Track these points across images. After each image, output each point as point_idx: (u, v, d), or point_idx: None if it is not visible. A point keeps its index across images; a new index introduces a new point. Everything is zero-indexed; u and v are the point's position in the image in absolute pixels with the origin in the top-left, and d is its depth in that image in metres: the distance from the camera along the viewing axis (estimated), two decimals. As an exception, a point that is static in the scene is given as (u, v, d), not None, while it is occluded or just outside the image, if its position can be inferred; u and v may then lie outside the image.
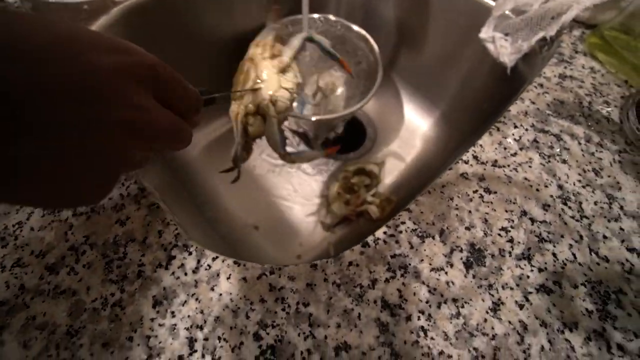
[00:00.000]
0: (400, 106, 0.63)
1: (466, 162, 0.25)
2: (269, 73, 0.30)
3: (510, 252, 0.22)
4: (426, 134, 0.60)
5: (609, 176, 0.25)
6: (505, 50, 0.41)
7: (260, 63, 0.31)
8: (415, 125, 0.61)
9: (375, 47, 0.52)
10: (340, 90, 0.60)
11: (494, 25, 0.41)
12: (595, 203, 0.24)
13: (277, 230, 0.51)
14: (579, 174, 0.25)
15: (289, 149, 0.31)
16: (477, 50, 0.46)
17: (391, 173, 0.57)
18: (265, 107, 0.29)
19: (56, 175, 0.12)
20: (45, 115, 0.11)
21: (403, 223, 0.23)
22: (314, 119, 0.47)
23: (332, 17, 0.54)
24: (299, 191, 0.56)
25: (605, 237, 0.23)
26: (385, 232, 0.22)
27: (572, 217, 0.23)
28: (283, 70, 0.31)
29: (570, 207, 0.24)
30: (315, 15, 0.52)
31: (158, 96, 0.14)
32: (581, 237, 0.23)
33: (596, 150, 0.26)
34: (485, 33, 0.42)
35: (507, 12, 0.40)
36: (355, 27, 0.53)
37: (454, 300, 0.20)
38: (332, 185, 0.54)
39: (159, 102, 0.14)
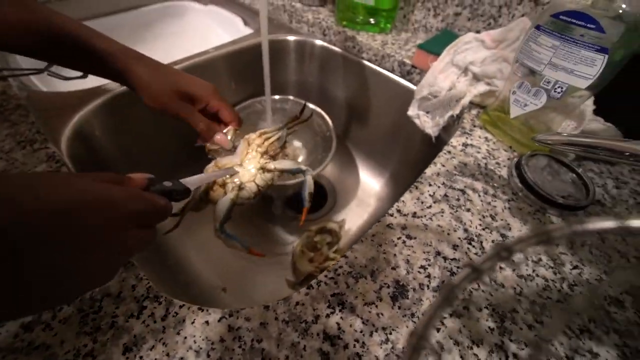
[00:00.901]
0: (355, 171, 0.72)
1: (391, 215, 0.32)
2: (251, 164, 0.34)
3: (428, 286, 0.27)
4: (379, 193, 0.68)
5: (501, 220, 0.32)
6: (427, 124, 0.51)
7: (252, 152, 0.35)
8: (370, 186, 0.69)
9: (329, 121, 0.61)
10: (301, 159, 0.68)
11: (417, 105, 0.52)
12: (492, 241, 0.30)
13: (244, 291, 0.54)
14: (479, 219, 0.32)
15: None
16: (410, 123, 0.57)
17: (350, 230, 0.63)
18: (230, 188, 0.33)
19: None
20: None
21: (340, 267, 0.28)
22: (279, 183, 0.54)
23: (291, 98, 0.64)
24: (266, 251, 0.59)
25: (501, 267, 0.29)
26: (326, 276, 0.27)
27: (476, 254, 0.29)
28: (265, 171, 0.34)
29: (474, 246, 0.30)
30: (277, 97, 0.62)
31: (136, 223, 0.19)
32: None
33: (491, 200, 0.34)
34: (411, 111, 0.52)
35: (426, 95, 0.51)
36: (312, 106, 0.63)
37: (384, 328, 0.24)
38: (296, 245, 0.58)
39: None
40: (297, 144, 0.68)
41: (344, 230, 0.62)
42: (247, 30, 0.76)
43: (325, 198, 0.68)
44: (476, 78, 0.48)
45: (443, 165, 0.37)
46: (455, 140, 0.41)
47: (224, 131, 0.37)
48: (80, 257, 0.16)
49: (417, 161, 0.59)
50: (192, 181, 0.25)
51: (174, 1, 0.88)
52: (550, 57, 0.33)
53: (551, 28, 0.32)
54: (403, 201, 0.33)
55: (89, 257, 0.16)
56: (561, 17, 0.31)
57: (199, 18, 0.84)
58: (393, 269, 0.28)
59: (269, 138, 0.37)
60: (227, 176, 0.33)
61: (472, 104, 0.48)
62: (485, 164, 0.38)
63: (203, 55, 0.58)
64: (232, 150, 0.36)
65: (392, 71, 0.58)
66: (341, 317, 0.24)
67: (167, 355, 0.22)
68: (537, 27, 0.34)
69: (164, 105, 0.34)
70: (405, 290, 0.26)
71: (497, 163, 0.39)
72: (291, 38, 0.65)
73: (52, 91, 0.48)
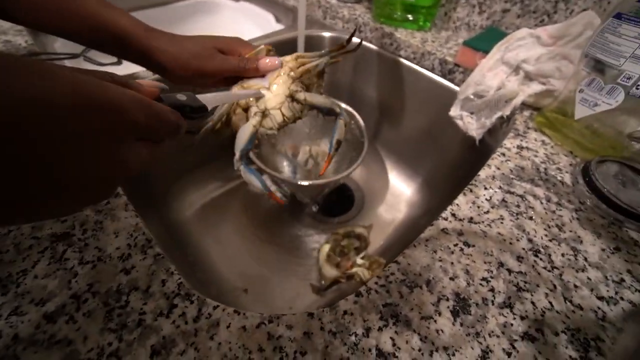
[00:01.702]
0: (385, 174, 0.69)
1: (446, 219, 0.28)
2: (281, 89, 0.30)
3: (492, 301, 0.23)
4: (410, 198, 0.64)
5: (570, 231, 0.28)
6: (472, 125, 0.47)
7: (283, 75, 0.30)
8: (400, 191, 0.66)
9: (361, 121, 0.59)
10: (329, 159, 0.65)
11: (460, 105, 0.49)
12: (563, 255, 0.27)
13: (267, 294, 0.51)
14: (545, 229, 0.28)
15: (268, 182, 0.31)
16: (449, 125, 0.53)
17: (379, 236, 0.60)
18: (252, 113, 0.29)
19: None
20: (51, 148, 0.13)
21: (392, 274, 0.24)
22: (305, 183, 0.51)
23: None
24: (290, 254, 0.57)
25: (576, 286, 0.25)
26: (376, 283, 0.24)
27: (544, 268, 0.26)
28: (294, 99, 0.30)
29: (541, 259, 0.26)
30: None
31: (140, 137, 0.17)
32: (555, 286, 0.25)
33: (556, 209, 0.30)
34: (454, 112, 0.49)
35: (470, 95, 0.48)
36: (343, 105, 0.60)
37: (445, 348, 0.21)
38: (322, 248, 0.55)
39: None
40: (323, 143, 0.65)
41: (372, 236, 0.59)
42: (279, 27, 0.75)
43: (352, 201, 0.65)
44: (529, 77, 0.44)
45: (498, 168, 0.34)
46: (509, 143, 0.37)
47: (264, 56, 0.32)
48: (74, 162, 0.13)
49: (456, 166, 0.56)
50: (210, 99, 0.22)
51: (206, -2, 0.88)
52: (635, 49, 0.29)
53: (638, 15, 0.28)
54: (457, 204, 0.30)
55: (82, 163, 0.14)
56: (651, 3, 0.27)
57: (230, 14, 0.83)
58: (451, 279, 0.24)
59: (306, 64, 0.32)
60: (252, 99, 0.29)
61: (524, 105, 0.44)
62: (545, 168, 0.34)
63: (236, 47, 0.56)
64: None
65: (432, 70, 0.55)
66: (395, 332, 0.21)
67: (200, 362, 0.19)
68: (618, 16, 0.30)
69: (211, 69, 0.31)
70: (467, 304, 0.23)
71: (558, 168, 0.35)
72: (326, 34, 0.63)
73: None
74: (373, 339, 0.21)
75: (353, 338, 0.21)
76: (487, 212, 0.29)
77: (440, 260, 0.25)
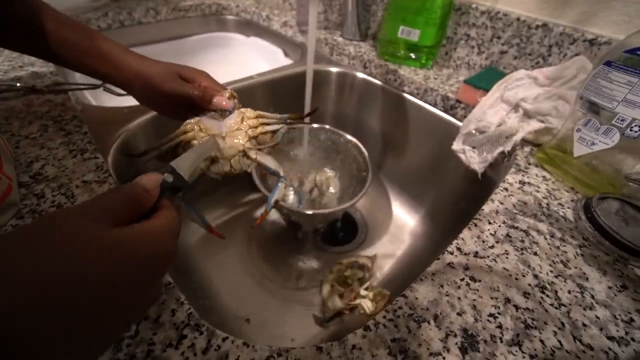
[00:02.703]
0: (388, 204, 0.70)
1: (451, 253, 0.29)
2: (235, 142, 0.32)
3: (500, 338, 0.23)
4: (414, 229, 0.64)
5: (575, 267, 0.29)
6: (474, 159, 0.49)
7: (242, 131, 0.33)
8: (403, 222, 0.66)
9: (365, 152, 0.60)
10: (333, 189, 0.66)
11: (462, 140, 0.50)
12: (569, 292, 0.27)
13: (269, 324, 0.50)
14: (550, 265, 0.29)
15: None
16: (451, 158, 0.55)
17: (383, 267, 0.59)
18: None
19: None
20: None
21: (400, 308, 0.24)
22: (309, 212, 0.52)
23: (327, 127, 0.64)
24: (293, 283, 0.56)
25: (584, 324, 0.25)
26: (384, 317, 0.24)
27: (552, 305, 0.26)
28: (245, 156, 0.32)
29: (548, 296, 0.26)
30: (315, 125, 0.62)
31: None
32: (563, 324, 0.25)
33: (560, 245, 0.31)
34: (456, 146, 0.51)
35: (472, 130, 0.49)
36: (348, 136, 0.62)
37: (455, 387, 0.21)
38: (325, 278, 0.55)
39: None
40: (329, 172, 0.67)
41: (376, 266, 0.59)
42: (288, 61, 0.79)
43: (356, 231, 0.65)
44: (528, 115, 0.46)
45: (501, 203, 0.35)
46: (512, 178, 0.38)
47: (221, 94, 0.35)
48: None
49: (458, 198, 0.57)
50: (184, 166, 0.23)
51: (218, 32, 0.93)
52: (626, 94, 0.31)
53: (626, 64, 0.30)
54: (462, 239, 0.30)
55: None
56: (639, 52, 0.30)
57: (241, 48, 0.88)
58: (459, 314, 0.24)
59: (266, 125, 0.33)
60: (201, 135, 0.31)
61: (524, 141, 0.45)
62: (547, 204, 0.35)
63: (247, 80, 0.60)
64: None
65: (435, 105, 0.58)
66: (404, 369, 0.21)
67: (207, 396, 0.19)
68: (608, 63, 0.32)
69: (168, 90, 0.34)
70: (476, 341, 0.23)
71: (560, 204, 0.35)
72: (333, 69, 0.67)
73: (103, 105, 0.50)
74: (382, 376, 0.21)
75: (362, 374, 0.20)
76: (492, 246, 0.30)
77: (447, 295, 0.25)
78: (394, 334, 0.23)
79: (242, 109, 0.35)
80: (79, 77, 0.58)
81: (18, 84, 0.45)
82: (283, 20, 0.80)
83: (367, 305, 0.51)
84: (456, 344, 0.23)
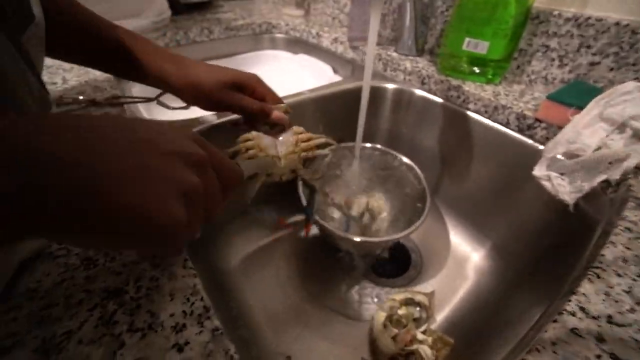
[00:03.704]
0: (445, 234, 0.62)
1: (573, 314, 0.22)
2: (287, 162, 0.39)
3: None
4: (478, 265, 0.56)
5: None
6: (563, 188, 0.41)
7: (295, 155, 0.39)
8: (464, 255, 0.58)
9: (422, 176, 0.54)
10: (385, 215, 0.60)
11: (546, 165, 0.43)
12: None
13: (312, 365, 0.44)
14: None
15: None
16: (528, 186, 0.47)
17: (442, 307, 0.52)
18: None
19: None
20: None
21: (514, 390, 0.18)
22: (357, 239, 0.46)
23: (379, 146, 0.59)
24: (338, 317, 0.50)
25: None
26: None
27: None
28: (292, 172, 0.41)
29: None
30: (368, 145, 0.57)
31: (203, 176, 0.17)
32: None
33: None
34: (538, 171, 0.43)
35: (558, 155, 0.42)
36: (404, 158, 0.57)
37: None
38: (377, 316, 0.48)
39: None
40: (381, 196, 0.61)
41: (434, 305, 0.51)
42: (336, 78, 0.76)
43: (408, 262, 0.58)
44: (637, 136, 0.38)
45: (628, 248, 0.27)
46: (633, 215, 0.30)
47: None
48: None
49: (538, 232, 0.48)
50: (245, 167, 0.27)
51: (267, 50, 0.94)
52: None
53: None
54: (585, 295, 0.23)
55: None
56: None
57: (289, 65, 0.88)
58: (603, 411, 0.17)
59: (316, 148, 0.43)
60: (260, 151, 0.36)
61: (638, 169, 0.37)
62: (690, 251, 0.27)
63: (297, 96, 0.57)
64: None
65: (507, 124, 0.51)
66: None
67: None
68: None
69: (220, 100, 0.35)
70: None
71: None
72: (390, 86, 0.62)
73: (155, 119, 0.50)
74: None
75: None
76: (632, 310, 0.22)
77: (581, 378, 0.18)
78: None
79: (296, 128, 0.42)
80: (135, 92, 0.59)
81: (81, 97, 0.46)
82: (333, 36, 0.78)
83: (427, 352, 0.44)
84: None
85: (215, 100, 0.35)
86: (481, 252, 0.57)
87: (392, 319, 0.48)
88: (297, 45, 0.90)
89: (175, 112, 0.47)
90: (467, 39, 0.55)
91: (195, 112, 0.44)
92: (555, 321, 0.21)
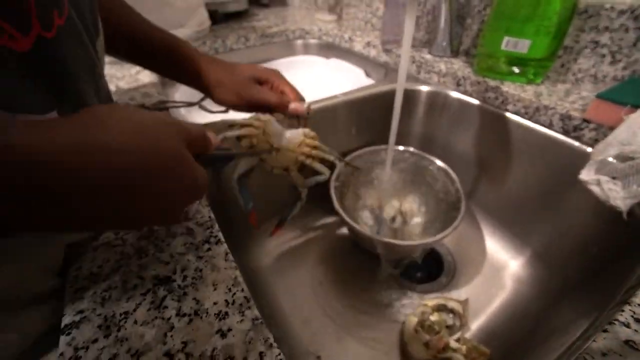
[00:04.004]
0: (481, 240, 0.60)
1: (626, 325, 0.20)
2: (286, 158, 0.38)
3: None
4: (517, 273, 0.53)
5: None
6: (615, 194, 0.38)
7: (299, 156, 0.39)
8: (502, 263, 0.56)
9: (457, 180, 0.53)
10: (418, 220, 0.59)
11: (595, 168, 0.40)
12: None
13: (342, 366, 0.44)
14: None
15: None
16: (575, 190, 0.44)
17: (477, 316, 0.50)
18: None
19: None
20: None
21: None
22: (390, 242, 0.46)
23: (411, 149, 0.59)
24: (370, 321, 0.50)
25: None
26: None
27: None
28: (289, 172, 0.39)
29: None
30: (401, 148, 0.57)
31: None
32: None
33: None
34: (586, 175, 0.40)
35: (609, 158, 0.39)
36: (437, 161, 0.56)
37: None
38: (408, 320, 0.48)
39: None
40: (414, 200, 0.60)
41: (468, 314, 0.49)
42: (369, 81, 0.76)
43: (441, 267, 0.57)
44: None
45: (690, 257, 0.25)
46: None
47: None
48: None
49: (586, 240, 0.45)
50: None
51: (300, 56, 0.96)
52: None
53: None
54: (639, 304, 0.21)
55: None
56: None
57: (322, 69, 0.89)
58: None
59: (315, 159, 0.40)
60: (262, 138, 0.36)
61: (702, 173, 0.34)
62: None
63: (330, 100, 0.58)
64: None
65: (550, 126, 0.48)
66: None
67: None
68: None
69: (247, 97, 0.39)
70: None
71: None
72: (424, 88, 0.61)
73: (196, 122, 0.53)
74: None
75: None
76: (693, 323, 0.20)
77: (635, 392, 0.17)
78: None
79: (307, 131, 0.40)
80: (177, 97, 0.63)
81: (132, 102, 0.50)
82: (366, 40, 0.78)
83: (461, 362, 0.42)
84: None
85: (238, 93, 0.39)
86: (520, 260, 0.54)
87: (423, 325, 0.47)
88: (329, 50, 0.91)
89: (215, 115, 0.50)
90: (506, 38, 0.53)
91: (233, 115, 0.46)
92: (605, 331, 0.20)
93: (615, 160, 0.39)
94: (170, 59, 0.40)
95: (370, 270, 0.56)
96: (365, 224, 0.58)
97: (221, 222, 0.29)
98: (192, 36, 0.81)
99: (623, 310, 0.21)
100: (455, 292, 0.53)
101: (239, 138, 0.36)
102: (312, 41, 0.94)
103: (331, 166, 0.42)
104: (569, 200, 0.47)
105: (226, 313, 0.21)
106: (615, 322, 0.20)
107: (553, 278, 0.49)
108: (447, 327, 0.48)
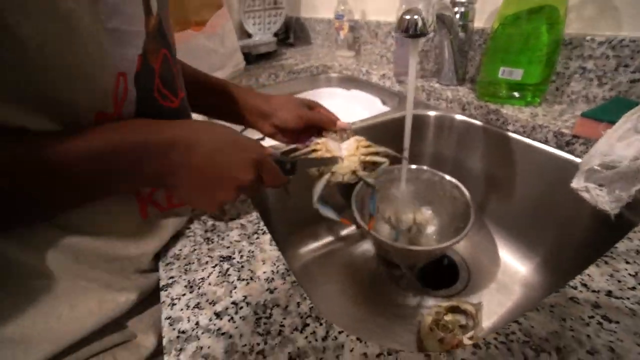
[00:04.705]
0: (494, 250, 0.64)
1: (574, 288, 0.26)
2: (349, 164, 0.44)
3: (651, 390, 0.20)
4: (526, 279, 0.57)
5: None
6: (602, 199, 0.43)
7: (355, 157, 0.45)
8: (513, 270, 0.60)
9: (466, 192, 0.59)
10: (432, 229, 0.65)
11: (584, 177, 0.46)
12: None
13: None
14: None
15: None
16: (572, 199, 0.49)
17: (490, 319, 0.54)
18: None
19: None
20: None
21: (513, 333, 0.24)
22: (408, 247, 0.52)
23: (425, 168, 0.66)
24: (389, 324, 0.55)
25: None
26: (495, 338, 0.23)
27: None
28: (353, 174, 0.45)
29: None
30: (414, 166, 0.64)
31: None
32: None
33: None
34: (576, 184, 0.46)
35: (595, 167, 0.45)
36: (448, 177, 0.62)
37: None
38: (424, 319, 0.53)
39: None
40: (427, 211, 0.66)
41: (482, 316, 0.53)
42: (385, 109, 0.86)
43: (457, 275, 0.62)
44: (674, 147, 0.40)
45: (643, 242, 0.30)
46: (656, 215, 0.33)
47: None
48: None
49: (585, 244, 0.49)
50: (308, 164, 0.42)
51: (323, 88, 1.08)
52: None
53: None
54: (589, 275, 0.27)
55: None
56: None
57: (343, 100, 1.00)
58: (590, 353, 0.22)
59: (375, 154, 0.47)
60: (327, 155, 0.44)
61: (673, 177, 0.39)
62: None
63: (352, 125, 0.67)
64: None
65: (546, 142, 0.54)
66: (522, 395, 0.20)
67: (327, 376, 0.22)
68: None
69: (305, 117, 0.47)
70: (614, 385, 0.20)
71: None
72: (432, 113, 0.70)
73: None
74: (496, 397, 0.20)
75: (473, 390, 0.20)
76: (633, 288, 0.26)
77: (572, 330, 0.23)
78: (507, 357, 0.22)
79: (357, 137, 0.48)
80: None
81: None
82: (381, 73, 0.88)
83: (472, 355, 0.47)
84: (588, 383, 0.20)
85: (298, 114, 0.47)
86: (529, 267, 0.58)
87: (438, 324, 0.52)
88: (349, 82, 1.02)
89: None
90: (502, 68, 0.61)
91: (266, 142, 0.56)
92: (557, 292, 0.26)
93: (600, 169, 0.45)
94: (226, 94, 0.50)
95: (390, 277, 0.62)
96: (384, 234, 0.65)
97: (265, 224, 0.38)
98: (229, 76, 0.95)
99: (573, 279, 0.27)
100: (471, 297, 0.58)
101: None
102: (334, 75, 1.06)
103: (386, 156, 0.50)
104: (569, 208, 0.52)
105: (272, 279, 0.29)
106: (566, 286, 0.26)
107: (559, 282, 0.52)
108: (461, 326, 0.52)
